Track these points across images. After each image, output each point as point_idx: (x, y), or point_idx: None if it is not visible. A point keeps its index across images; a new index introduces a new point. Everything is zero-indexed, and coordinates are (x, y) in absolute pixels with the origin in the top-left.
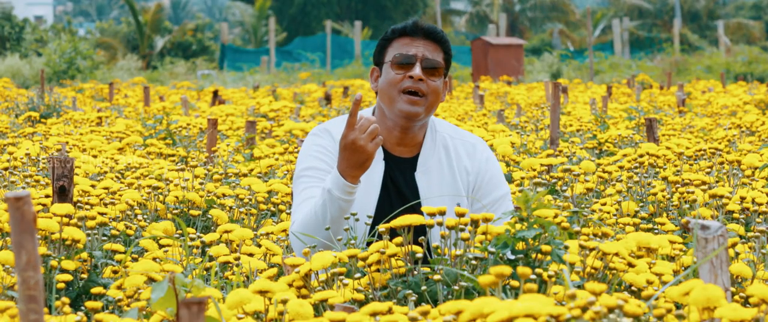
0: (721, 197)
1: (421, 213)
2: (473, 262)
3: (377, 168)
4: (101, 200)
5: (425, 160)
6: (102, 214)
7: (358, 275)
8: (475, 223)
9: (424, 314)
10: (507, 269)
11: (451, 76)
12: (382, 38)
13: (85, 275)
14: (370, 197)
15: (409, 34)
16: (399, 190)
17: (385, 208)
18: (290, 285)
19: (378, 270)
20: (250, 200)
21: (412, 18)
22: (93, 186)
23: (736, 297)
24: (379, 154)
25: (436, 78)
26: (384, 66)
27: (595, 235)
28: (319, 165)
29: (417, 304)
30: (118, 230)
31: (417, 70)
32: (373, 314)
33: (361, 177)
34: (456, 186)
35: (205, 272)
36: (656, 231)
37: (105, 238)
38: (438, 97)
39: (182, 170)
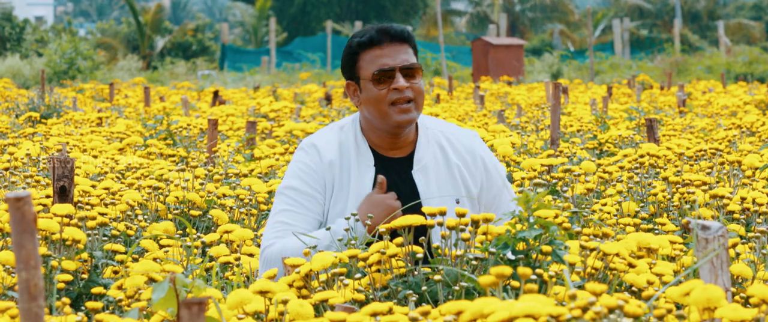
0: (722, 197)
1: (422, 213)
2: (474, 262)
3: (368, 174)
4: (102, 200)
5: (421, 158)
6: (102, 214)
7: (358, 275)
8: (475, 223)
9: (425, 314)
10: (507, 270)
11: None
12: (347, 53)
13: (85, 275)
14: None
15: (377, 43)
16: (397, 189)
17: None
18: (291, 285)
19: (378, 270)
20: (251, 200)
21: (372, 25)
22: (93, 186)
23: (737, 297)
24: (370, 160)
25: (417, 79)
26: (361, 82)
27: (595, 235)
28: (299, 186)
29: (417, 304)
30: (118, 231)
31: (400, 81)
32: (374, 315)
33: (353, 184)
34: (453, 181)
35: (205, 273)
36: (657, 231)
37: (105, 238)
38: (423, 95)
39: (183, 170)
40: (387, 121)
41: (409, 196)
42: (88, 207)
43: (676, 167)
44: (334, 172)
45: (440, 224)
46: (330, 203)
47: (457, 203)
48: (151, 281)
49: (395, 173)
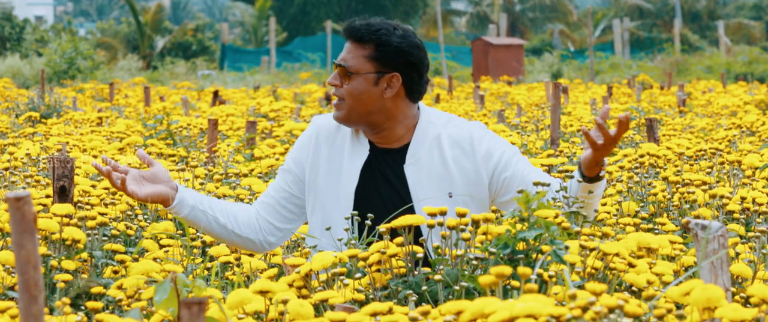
0: (722, 197)
1: (413, 210)
2: (474, 262)
3: (359, 158)
4: (101, 200)
5: (414, 152)
6: (102, 214)
7: (358, 275)
8: (475, 223)
9: (425, 314)
10: (507, 270)
11: (395, 75)
12: None
13: (85, 275)
14: (348, 186)
15: (344, 37)
16: (387, 180)
17: (373, 198)
18: (291, 285)
19: (378, 270)
20: (251, 200)
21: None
22: (93, 186)
23: (737, 297)
24: (365, 146)
25: (349, 81)
26: None
27: (595, 235)
28: (284, 166)
29: (417, 304)
30: (118, 230)
31: (329, 77)
32: (374, 315)
33: (345, 165)
34: (449, 176)
35: (206, 272)
36: (657, 231)
37: (105, 238)
38: (358, 100)
39: (183, 170)
40: None
41: (399, 189)
42: (88, 207)
43: (676, 166)
44: (319, 146)
45: (441, 224)
46: (314, 178)
47: (450, 197)
48: (152, 280)
49: (387, 165)
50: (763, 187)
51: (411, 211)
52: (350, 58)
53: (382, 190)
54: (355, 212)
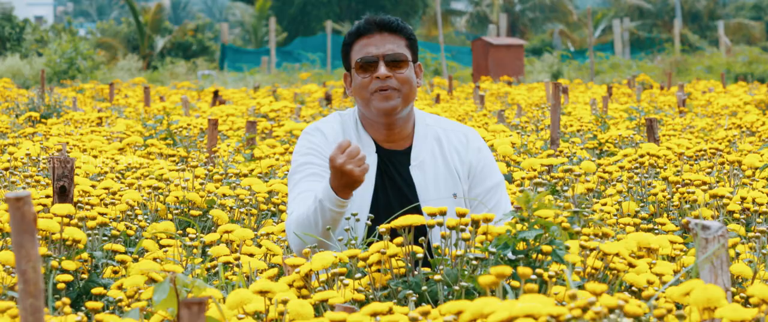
0: (722, 197)
1: (421, 211)
2: (474, 262)
3: (371, 161)
4: (101, 200)
5: (418, 153)
6: (102, 214)
7: (358, 275)
8: (475, 223)
9: (425, 314)
10: (507, 270)
11: (420, 64)
12: (343, 43)
13: (85, 275)
14: (366, 191)
15: (365, 33)
16: (394, 182)
17: (381, 201)
18: (291, 285)
19: (378, 270)
20: (251, 200)
21: (366, 16)
22: (93, 186)
23: (737, 297)
24: (371, 147)
25: (402, 69)
26: (352, 71)
27: (595, 235)
28: (312, 160)
29: (417, 304)
30: (118, 231)
31: (381, 70)
32: (374, 315)
33: None
34: (452, 177)
35: (206, 272)
36: (657, 231)
37: (105, 238)
38: (411, 87)
39: (183, 170)
40: (370, 109)
41: (405, 190)
42: (88, 207)
43: (676, 166)
44: (332, 147)
45: (440, 224)
46: None
47: (455, 197)
48: (151, 281)
49: (393, 167)
50: (763, 187)
51: (417, 211)
52: (395, 47)
53: (390, 192)
54: (356, 213)
